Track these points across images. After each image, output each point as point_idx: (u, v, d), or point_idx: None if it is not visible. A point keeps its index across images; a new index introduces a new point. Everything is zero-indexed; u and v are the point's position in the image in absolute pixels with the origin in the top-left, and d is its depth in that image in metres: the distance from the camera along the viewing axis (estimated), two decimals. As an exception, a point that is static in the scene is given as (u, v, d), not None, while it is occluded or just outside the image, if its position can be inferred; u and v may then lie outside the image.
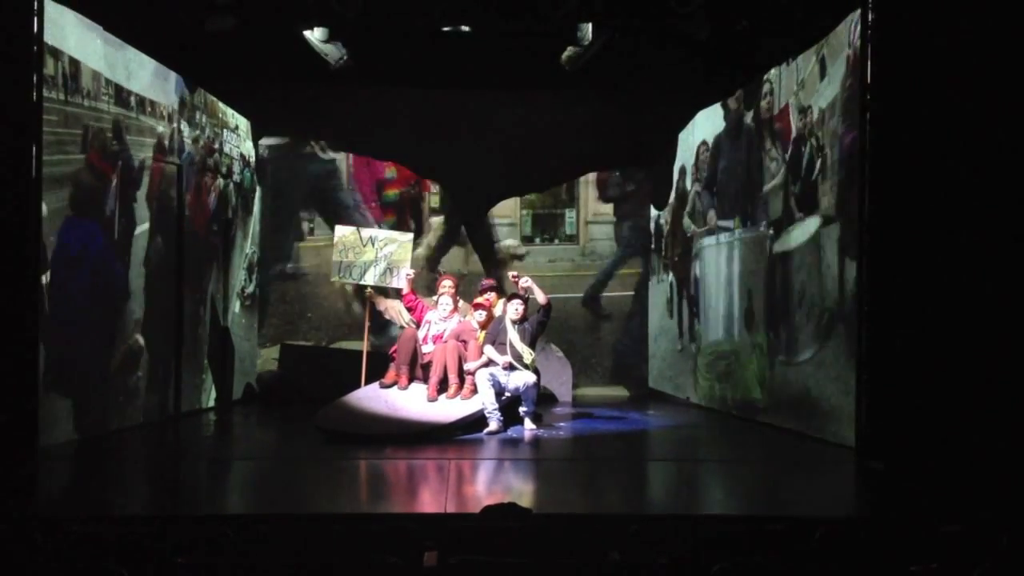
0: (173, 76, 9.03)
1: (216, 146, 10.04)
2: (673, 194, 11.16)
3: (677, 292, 11.24)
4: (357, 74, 9.55)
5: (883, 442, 6.98)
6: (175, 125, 9.09)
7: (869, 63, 7.19)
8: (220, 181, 10.16)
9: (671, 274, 11.35)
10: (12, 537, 3.69)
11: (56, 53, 7.10)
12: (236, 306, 10.59)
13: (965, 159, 6.85)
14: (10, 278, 6.91)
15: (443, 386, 8.56)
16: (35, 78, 6.93)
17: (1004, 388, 6.69)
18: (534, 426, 8.49)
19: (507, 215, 11.61)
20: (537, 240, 11.69)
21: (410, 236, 9.43)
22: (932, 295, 6.90)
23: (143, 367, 8.58)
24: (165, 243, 8.93)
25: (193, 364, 9.58)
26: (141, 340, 8.47)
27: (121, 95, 8.07)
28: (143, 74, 8.49)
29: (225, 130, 10.29)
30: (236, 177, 10.56)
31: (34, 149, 6.94)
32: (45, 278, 6.87)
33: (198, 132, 9.63)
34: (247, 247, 10.85)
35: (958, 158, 6.86)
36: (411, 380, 8.73)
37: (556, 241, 11.74)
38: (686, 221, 10.95)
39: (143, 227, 8.50)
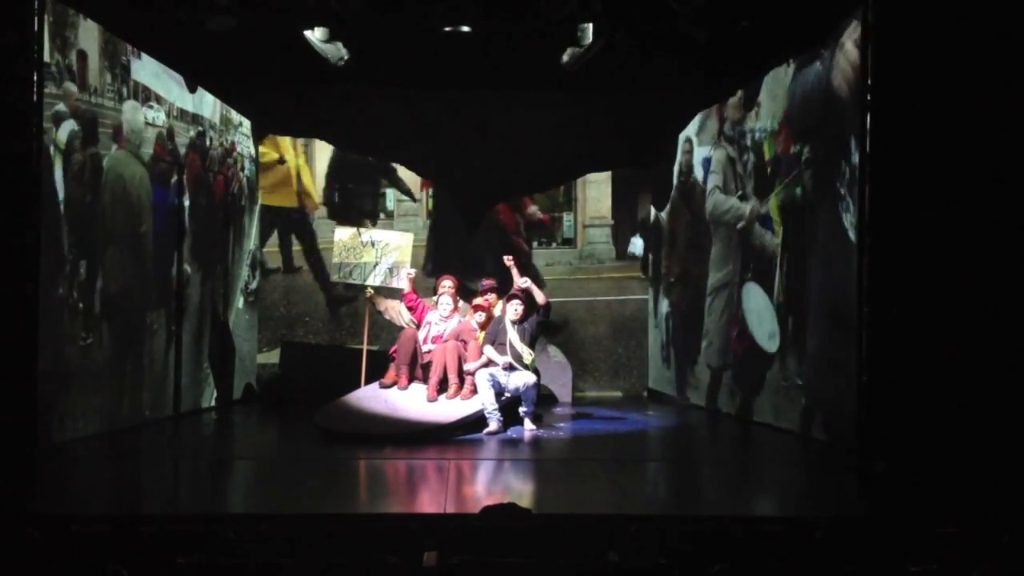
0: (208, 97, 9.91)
1: (229, 145, 10.23)
2: (674, 193, 10.93)
3: (672, 331, 10.33)
4: (357, 74, 9.55)
5: (883, 442, 6.97)
6: (201, 128, 9.66)
7: (869, 63, 7.18)
8: (240, 175, 10.44)
9: (666, 301, 10.78)
10: (12, 537, 3.69)
11: (146, 90, 8.85)
12: (240, 302, 10.62)
13: (966, 159, 6.84)
14: (10, 277, 6.90)
15: (443, 386, 8.56)
16: (35, 77, 6.98)
17: (1005, 388, 6.69)
18: (534, 426, 8.48)
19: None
20: (535, 243, 11.68)
21: (410, 236, 9.46)
22: (933, 295, 6.89)
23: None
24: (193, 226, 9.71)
25: (196, 358, 9.67)
26: (188, 269, 9.55)
27: (172, 110, 9.29)
28: (196, 98, 9.71)
29: (231, 128, 10.41)
30: (246, 172, 10.66)
31: (34, 147, 6.98)
32: (145, 226, 8.70)
33: (216, 134, 9.95)
34: (250, 243, 10.89)
35: (959, 158, 6.85)
36: (411, 380, 8.73)
37: (554, 244, 11.73)
38: (718, 198, 9.55)
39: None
